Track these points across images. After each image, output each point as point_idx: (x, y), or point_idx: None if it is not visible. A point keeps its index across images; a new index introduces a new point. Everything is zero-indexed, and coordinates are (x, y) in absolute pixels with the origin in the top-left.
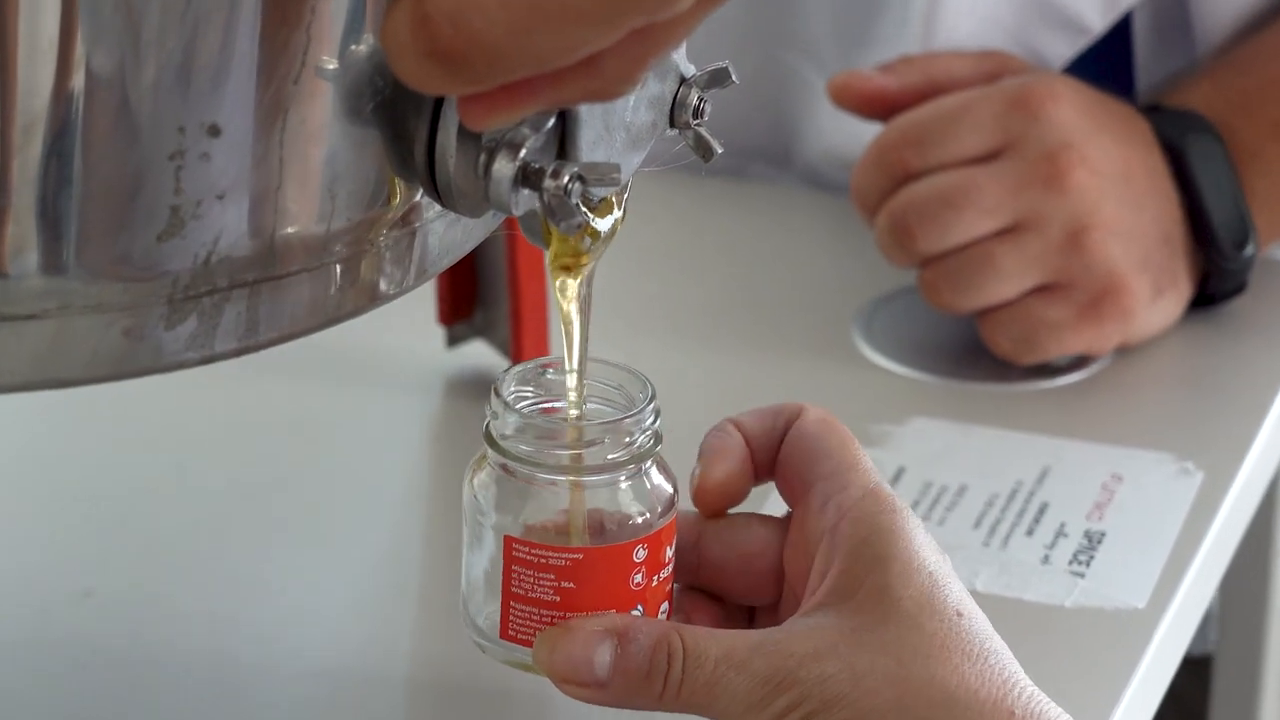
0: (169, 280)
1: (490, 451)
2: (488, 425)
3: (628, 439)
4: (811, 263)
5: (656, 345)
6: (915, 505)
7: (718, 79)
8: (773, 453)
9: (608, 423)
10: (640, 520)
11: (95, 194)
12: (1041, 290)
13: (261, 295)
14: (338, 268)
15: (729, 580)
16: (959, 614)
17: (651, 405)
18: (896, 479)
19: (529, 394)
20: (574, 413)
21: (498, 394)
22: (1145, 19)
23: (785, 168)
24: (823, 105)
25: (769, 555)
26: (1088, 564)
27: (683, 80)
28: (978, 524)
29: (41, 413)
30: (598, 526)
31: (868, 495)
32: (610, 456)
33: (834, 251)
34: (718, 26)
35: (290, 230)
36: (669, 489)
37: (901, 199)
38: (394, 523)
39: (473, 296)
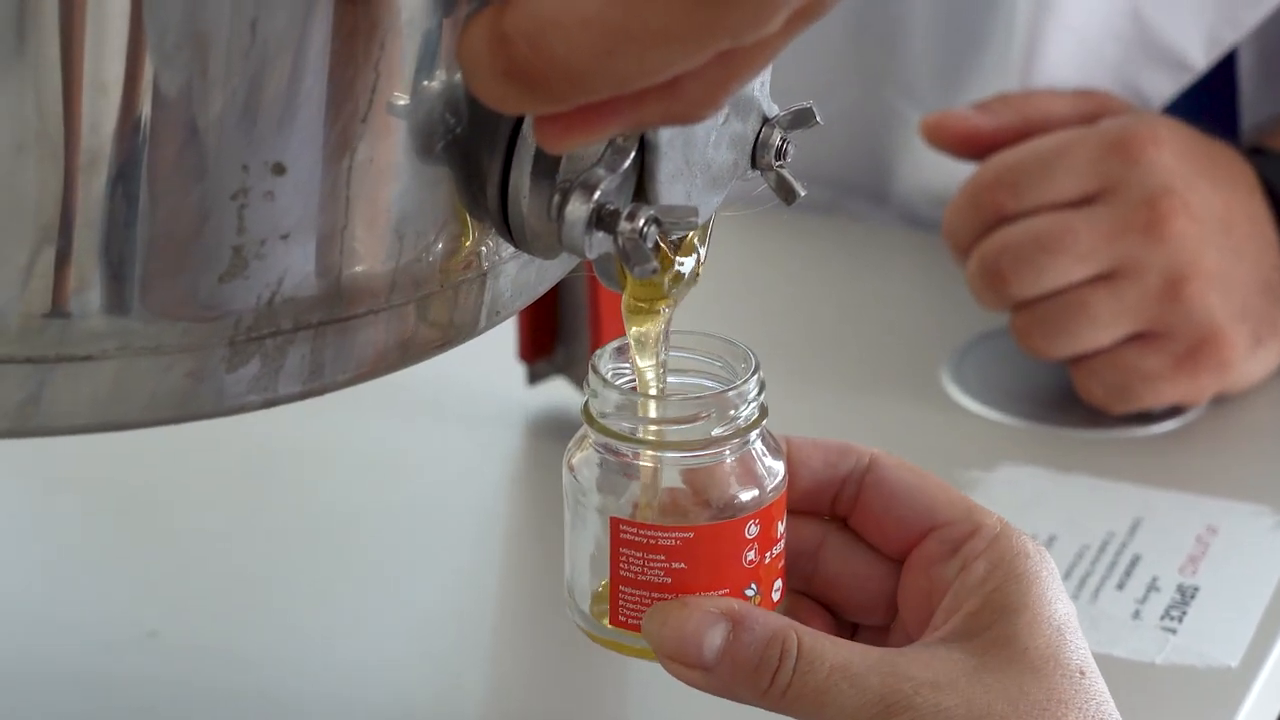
0: (231, 321)
1: (590, 431)
2: (587, 403)
3: (732, 412)
4: (903, 301)
5: None
6: None
7: (801, 120)
8: (834, 487)
9: (711, 397)
10: (749, 496)
11: (156, 233)
12: (1137, 339)
13: (326, 338)
14: (406, 310)
15: (840, 595)
16: (1082, 673)
17: (755, 376)
18: None
19: (629, 370)
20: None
21: (596, 370)
22: (1250, 57)
23: (881, 204)
24: (920, 142)
25: (884, 581)
26: (1180, 620)
27: (765, 120)
28: (1067, 575)
29: (107, 450)
30: (706, 504)
31: (1000, 538)
32: (716, 432)
33: (926, 290)
34: (817, 62)
35: (357, 271)
36: (779, 462)
37: (995, 242)
38: (472, 566)
39: (554, 333)
